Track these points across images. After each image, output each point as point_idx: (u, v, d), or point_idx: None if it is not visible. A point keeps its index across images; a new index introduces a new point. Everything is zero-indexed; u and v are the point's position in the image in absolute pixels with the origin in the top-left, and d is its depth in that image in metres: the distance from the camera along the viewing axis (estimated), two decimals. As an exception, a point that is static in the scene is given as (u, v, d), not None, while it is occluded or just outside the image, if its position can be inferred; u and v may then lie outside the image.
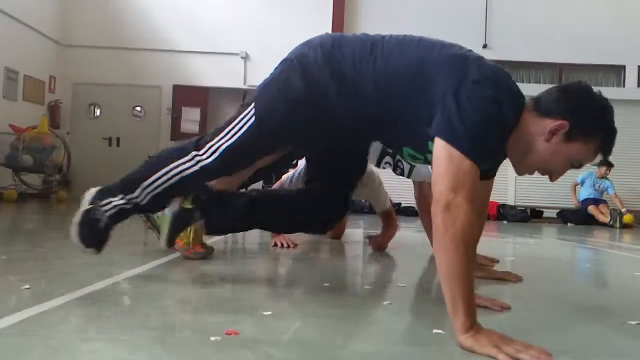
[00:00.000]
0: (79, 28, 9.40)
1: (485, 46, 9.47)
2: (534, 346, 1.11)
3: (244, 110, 1.77)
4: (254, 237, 3.25)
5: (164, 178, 1.77)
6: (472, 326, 1.17)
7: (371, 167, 2.58)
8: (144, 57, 9.39)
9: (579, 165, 1.46)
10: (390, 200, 3.24)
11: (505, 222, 8.53)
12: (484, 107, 1.33)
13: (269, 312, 1.37)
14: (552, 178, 1.52)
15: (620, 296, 1.92)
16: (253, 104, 1.73)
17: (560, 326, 1.41)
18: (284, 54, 1.75)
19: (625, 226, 8.11)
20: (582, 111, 1.37)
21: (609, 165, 8.50)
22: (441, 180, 1.28)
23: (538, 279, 2.41)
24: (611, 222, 8.07)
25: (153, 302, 1.51)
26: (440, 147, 1.32)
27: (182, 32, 9.36)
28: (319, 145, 1.88)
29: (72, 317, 1.30)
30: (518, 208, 8.95)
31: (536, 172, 1.54)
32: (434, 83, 1.41)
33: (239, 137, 1.72)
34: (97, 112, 9.61)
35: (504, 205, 8.93)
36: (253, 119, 1.70)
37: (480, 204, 1.72)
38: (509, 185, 9.43)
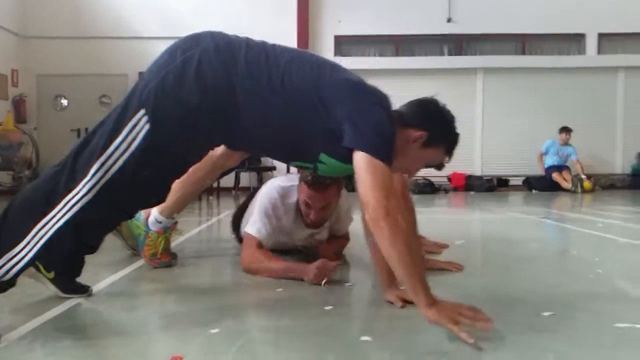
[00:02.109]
0: (40, 19, 9.20)
1: (449, 20, 9.58)
2: (478, 310, 1.41)
3: (127, 116, 1.52)
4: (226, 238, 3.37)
5: (30, 246, 1.50)
6: (433, 302, 1.43)
7: (344, 191, 2.50)
8: (108, 45, 9.26)
9: (431, 166, 1.78)
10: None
11: (472, 192, 8.84)
12: (383, 118, 1.58)
13: (216, 330, 1.52)
14: (410, 176, 1.94)
15: (549, 284, 2.11)
16: (141, 106, 1.51)
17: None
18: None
19: (585, 191, 8.49)
20: (436, 123, 1.69)
21: (568, 131, 8.85)
22: (374, 190, 1.46)
23: (479, 266, 2.63)
24: (573, 189, 8.43)
25: (106, 327, 1.61)
26: (361, 159, 1.51)
27: (147, 18, 9.23)
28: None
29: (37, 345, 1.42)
30: (484, 178, 9.25)
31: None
32: (333, 105, 1.58)
33: (130, 157, 1.51)
34: (64, 103, 9.51)
35: (470, 176, 9.22)
36: (147, 125, 1.50)
37: (402, 190, 1.95)
38: (475, 156, 9.73)
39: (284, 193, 2.47)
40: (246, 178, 8.60)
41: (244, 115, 1.57)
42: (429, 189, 8.55)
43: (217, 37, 1.62)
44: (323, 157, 1.68)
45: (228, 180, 7.56)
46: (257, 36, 1.74)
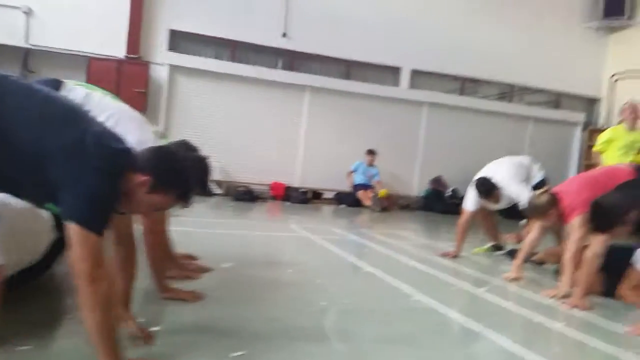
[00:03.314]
0: None
1: (284, 35, 10.01)
2: None
3: None
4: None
5: None
6: None
7: None
8: None
9: (162, 209, 1.93)
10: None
11: (288, 203, 9.40)
12: (99, 184, 1.64)
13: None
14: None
15: (272, 316, 2.38)
16: None
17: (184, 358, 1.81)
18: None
19: (384, 209, 9.59)
20: (163, 170, 1.77)
21: (373, 153, 9.92)
22: (84, 261, 1.60)
23: (224, 294, 2.79)
24: (373, 207, 9.46)
25: None
26: (73, 231, 1.61)
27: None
28: None
29: None
30: (301, 190, 9.88)
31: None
32: (51, 166, 1.63)
33: None
34: None
35: (289, 187, 9.77)
36: None
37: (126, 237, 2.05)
38: (296, 168, 10.30)
39: None
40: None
41: None
42: (248, 197, 8.82)
43: None
44: (51, 205, 1.76)
45: None
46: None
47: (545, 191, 3.62)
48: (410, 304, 2.90)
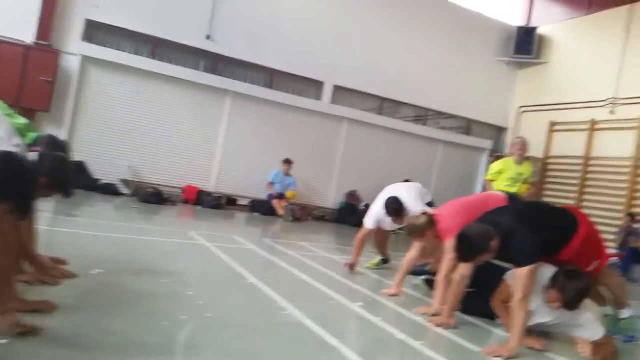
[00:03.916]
0: None
1: (208, 37, 9.87)
2: None
3: None
4: None
5: None
6: None
7: None
8: None
9: None
10: None
11: (199, 207, 9.20)
12: None
13: None
14: None
15: (113, 330, 2.31)
16: None
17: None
18: None
19: (297, 219, 9.64)
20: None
21: (289, 162, 9.98)
22: None
23: (80, 305, 2.60)
24: (285, 216, 9.48)
25: None
26: None
27: None
28: None
29: None
30: (215, 195, 9.72)
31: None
32: None
33: None
34: None
35: (201, 191, 9.58)
36: None
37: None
38: (212, 173, 10.14)
39: None
40: None
41: None
42: (155, 199, 8.51)
43: None
44: None
45: None
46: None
47: (424, 212, 3.80)
48: (280, 317, 2.91)
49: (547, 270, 3.05)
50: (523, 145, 6.06)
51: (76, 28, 9.02)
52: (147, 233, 5.35)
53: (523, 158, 6.12)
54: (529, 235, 2.93)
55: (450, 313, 3.35)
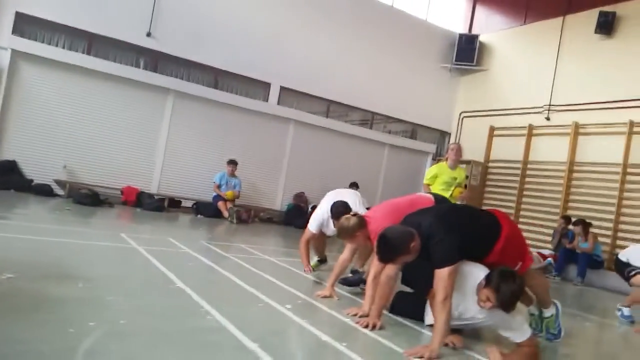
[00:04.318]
0: None
1: (149, 34, 9.59)
2: None
3: None
4: None
5: None
6: None
7: None
8: None
9: None
10: None
11: (139, 209, 8.88)
12: None
13: None
14: None
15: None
16: None
17: None
18: None
19: (242, 221, 9.50)
20: None
21: (234, 163, 9.83)
22: None
23: None
24: (230, 218, 9.32)
25: None
26: None
27: None
28: None
29: None
30: (157, 197, 9.43)
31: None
32: None
33: None
34: None
35: (142, 193, 9.26)
36: None
37: None
38: (155, 174, 9.85)
39: None
40: None
41: None
42: (90, 200, 8.12)
43: None
44: None
45: None
46: None
47: (355, 214, 3.79)
48: (201, 323, 2.81)
49: (478, 270, 3.09)
50: (457, 151, 6.25)
51: (6, 21, 8.54)
52: (74, 236, 5.08)
53: (457, 163, 6.31)
54: (448, 236, 2.96)
55: (378, 314, 3.35)
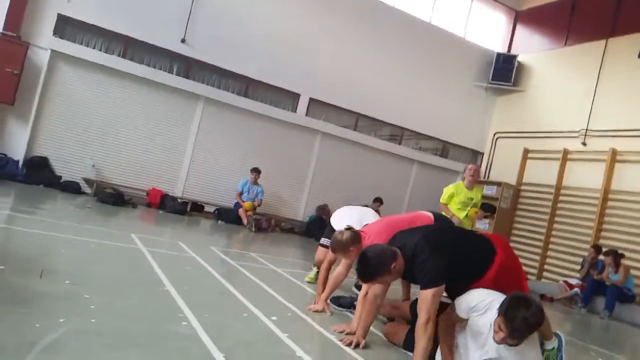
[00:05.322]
0: None
1: (183, 41, 9.81)
2: None
3: None
4: None
5: None
6: None
7: None
8: None
9: None
10: None
11: (161, 211, 9.04)
12: None
13: None
14: None
15: None
16: None
17: None
18: None
19: (261, 230, 9.51)
20: None
21: (257, 171, 9.86)
22: None
23: None
24: (248, 226, 9.34)
25: None
26: None
27: None
28: None
29: None
30: (180, 200, 9.57)
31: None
32: None
33: None
34: None
35: (166, 195, 9.43)
36: None
37: None
38: (180, 177, 10.01)
39: None
40: None
41: None
42: (113, 200, 8.30)
43: None
44: None
45: None
46: None
47: (349, 228, 3.70)
48: (173, 328, 2.77)
49: (482, 295, 2.80)
50: (475, 171, 6.10)
51: (48, 22, 8.93)
52: (83, 234, 5.18)
53: (474, 183, 6.14)
54: (433, 257, 2.83)
55: (363, 332, 3.24)
